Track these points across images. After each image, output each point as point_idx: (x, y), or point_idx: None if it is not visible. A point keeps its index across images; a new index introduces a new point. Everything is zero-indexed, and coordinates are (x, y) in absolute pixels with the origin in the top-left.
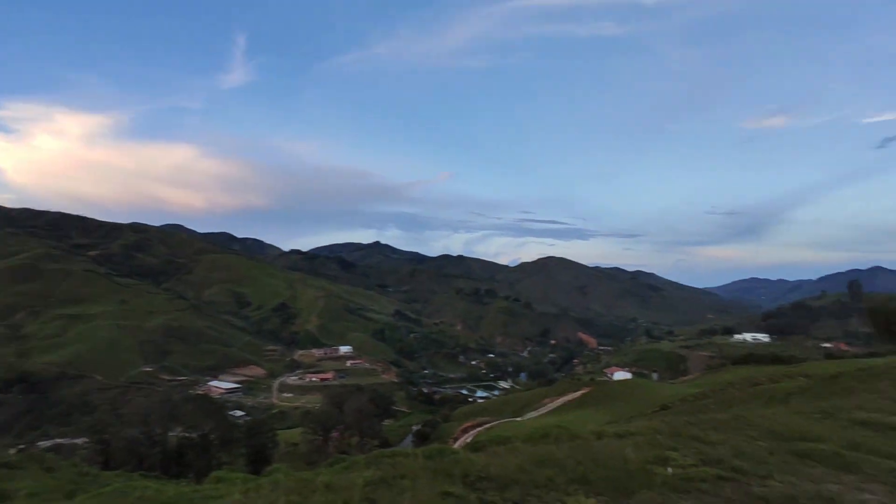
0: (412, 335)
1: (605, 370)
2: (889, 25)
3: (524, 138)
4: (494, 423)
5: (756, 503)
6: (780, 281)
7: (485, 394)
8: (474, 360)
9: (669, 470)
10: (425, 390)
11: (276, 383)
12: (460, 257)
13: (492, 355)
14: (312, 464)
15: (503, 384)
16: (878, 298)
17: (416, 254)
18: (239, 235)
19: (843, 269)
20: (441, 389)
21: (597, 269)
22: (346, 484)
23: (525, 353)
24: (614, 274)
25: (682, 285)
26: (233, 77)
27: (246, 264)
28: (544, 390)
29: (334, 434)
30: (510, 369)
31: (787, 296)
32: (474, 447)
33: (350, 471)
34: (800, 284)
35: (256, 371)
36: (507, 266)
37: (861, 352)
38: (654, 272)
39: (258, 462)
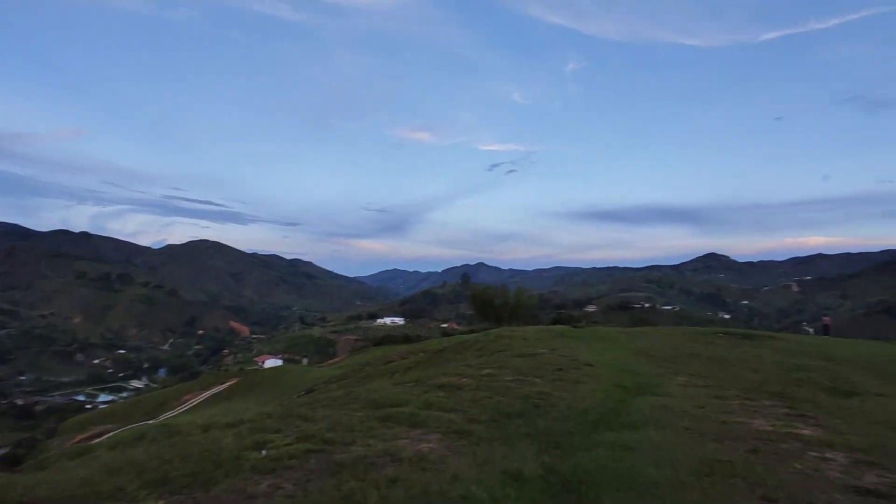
0: (3, 331)
1: (256, 359)
2: (500, 78)
3: (182, 106)
4: (119, 429)
5: (334, 468)
6: (415, 272)
7: (111, 397)
8: (98, 358)
9: (263, 452)
10: (21, 401)
11: None
12: (85, 234)
13: (122, 351)
14: None
15: (136, 383)
16: (478, 288)
17: (18, 227)
18: None
19: (458, 264)
20: (47, 398)
21: (254, 255)
22: None
23: (166, 347)
24: (272, 261)
25: (336, 274)
26: None
27: None
28: (187, 385)
29: None
30: (146, 366)
31: (420, 285)
32: (40, 465)
33: None
34: (429, 275)
35: None
36: (149, 248)
37: (465, 329)
38: (312, 261)
39: None
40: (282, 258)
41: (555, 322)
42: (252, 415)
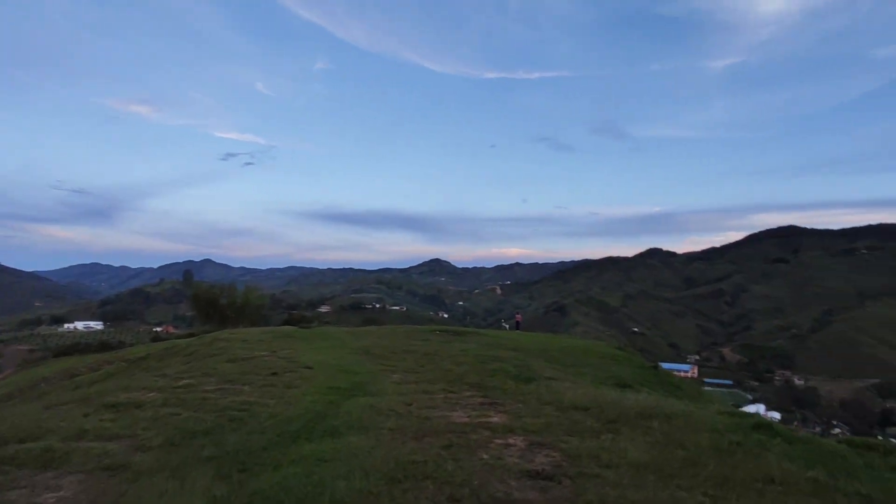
0: None
1: None
2: (243, 63)
3: None
4: None
5: None
6: (123, 267)
7: None
8: None
9: None
10: None
11: None
12: None
13: None
14: None
15: None
16: (202, 286)
17: None
18: None
19: (181, 260)
20: None
21: None
22: None
23: None
24: None
25: (4, 267)
26: None
27: None
28: None
29: None
30: None
31: (129, 282)
32: None
33: None
34: (142, 271)
35: None
36: None
37: (184, 333)
38: None
39: None
40: None
41: (286, 323)
42: None
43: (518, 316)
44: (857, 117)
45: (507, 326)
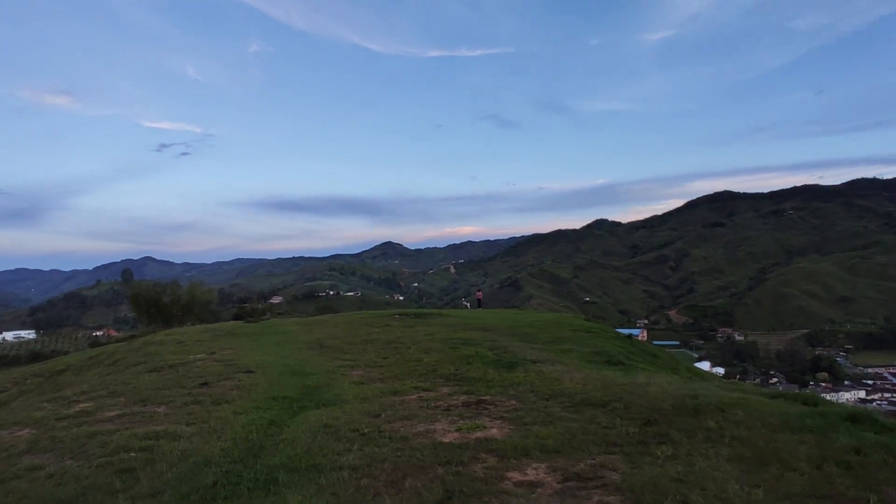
0: None
1: None
2: (171, 47)
3: None
4: None
5: None
6: (55, 271)
7: None
8: None
9: None
10: None
11: None
12: None
13: None
14: None
15: None
16: (142, 285)
17: None
18: None
19: (118, 259)
20: None
21: None
22: None
23: None
24: None
25: None
26: None
27: None
28: None
29: None
30: None
31: (62, 286)
32: None
33: None
34: (75, 274)
35: None
36: None
37: (124, 336)
38: None
39: None
40: None
41: (236, 317)
42: None
43: (479, 293)
44: (779, 85)
45: (468, 305)
